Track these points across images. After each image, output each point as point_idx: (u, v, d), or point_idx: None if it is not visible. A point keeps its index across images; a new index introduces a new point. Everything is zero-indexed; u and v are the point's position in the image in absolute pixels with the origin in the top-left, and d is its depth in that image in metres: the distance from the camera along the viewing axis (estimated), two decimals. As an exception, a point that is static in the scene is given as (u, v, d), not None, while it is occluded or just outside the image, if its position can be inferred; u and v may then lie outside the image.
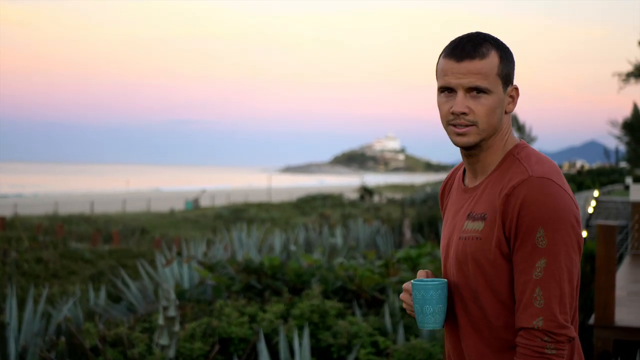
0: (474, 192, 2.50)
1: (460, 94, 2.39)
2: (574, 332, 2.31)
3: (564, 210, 2.30)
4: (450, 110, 2.41)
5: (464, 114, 2.40)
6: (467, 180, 2.58)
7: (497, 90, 2.40)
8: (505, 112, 2.45)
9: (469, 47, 2.39)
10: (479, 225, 2.40)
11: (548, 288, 2.27)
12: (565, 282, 2.29)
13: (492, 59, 2.39)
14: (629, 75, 46.38)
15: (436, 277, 2.53)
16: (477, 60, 2.38)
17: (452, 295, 2.50)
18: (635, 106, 62.92)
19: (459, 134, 2.42)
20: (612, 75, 48.68)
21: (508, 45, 2.47)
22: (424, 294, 2.44)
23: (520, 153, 2.43)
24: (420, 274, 2.54)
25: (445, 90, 2.43)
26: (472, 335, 2.45)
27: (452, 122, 2.42)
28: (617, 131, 64.77)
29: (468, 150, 2.47)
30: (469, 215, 2.45)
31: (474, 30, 2.46)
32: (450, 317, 2.53)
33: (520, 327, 2.30)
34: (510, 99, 2.46)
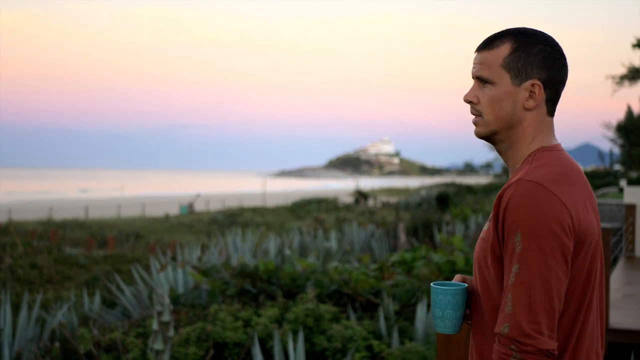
0: None
1: (474, 83, 2.43)
2: (547, 344, 2.18)
3: (545, 215, 2.21)
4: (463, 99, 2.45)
5: (471, 102, 2.42)
6: None
7: (502, 82, 2.37)
8: (526, 109, 2.37)
9: (488, 39, 2.42)
10: (487, 225, 2.39)
11: (517, 295, 2.19)
12: (539, 290, 2.19)
13: (501, 50, 2.37)
14: (622, 78, 46.46)
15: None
16: (485, 51, 2.40)
17: (473, 297, 2.48)
18: (629, 109, 63.05)
19: (474, 124, 2.44)
20: (605, 78, 48.79)
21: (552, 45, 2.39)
22: (434, 297, 2.45)
23: (536, 155, 2.36)
24: (457, 278, 2.53)
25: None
26: (476, 338, 2.44)
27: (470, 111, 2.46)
28: (611, 134, 64.91)
29: (493, 145, 2.47)
30: (489, 215, 2.44)
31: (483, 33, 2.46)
32: (470, 318, 2.52)
33: (495, 332, 2.26)
34: (529, 95, 2.37)
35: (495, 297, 2.34)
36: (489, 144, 2.48)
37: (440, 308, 2.43)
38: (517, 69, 2.36)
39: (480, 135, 2.44)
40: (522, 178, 2.27)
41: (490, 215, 2.36)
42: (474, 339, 2.46)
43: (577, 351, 2.30)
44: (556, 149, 2.39)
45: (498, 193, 2.32)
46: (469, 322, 2.53)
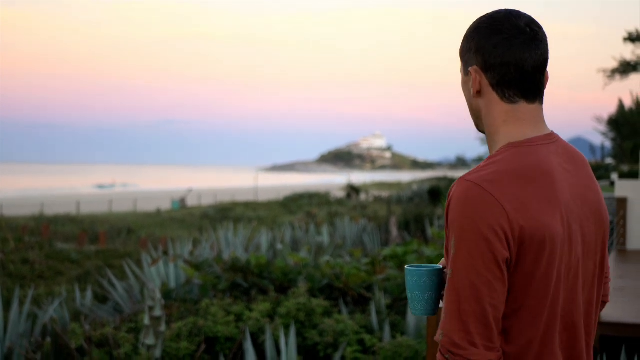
0: None
1: None
2: (481, 356, 2.03)
3: (477, 218, 2.04)
4: None
5: None
6: None
7: (462, 71, 2.30)
8: (474, 97, 2.26)
9: None
10: None
11: (448, 302, 2.07)
12: (469, 298, 2.04)
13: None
14: (614, 71, 46.47)
15: None
16: None
17: None
18: (620, 102, 63.15)
19: None
20: (597, 71, 48.90)
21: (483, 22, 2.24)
22: (405, 279, 2.39)
23: (498, 151, 2.19)
24: (443, 262, 2.38)
25: None
26: None
27: None
28: (602, 127, 65.03)
29: None
30: None
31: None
32: None
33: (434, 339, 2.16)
34: (472, 82, 2.25)
35: None
36: (484, 135, 2.38)
37: (409, 289, 2.36)
38: (462, 58, 2.29)
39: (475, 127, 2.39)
40: (462, 177, 2.13)
41: None
42: None
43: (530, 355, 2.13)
44: (526, 143, 2.19)
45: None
46: None
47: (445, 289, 2.09)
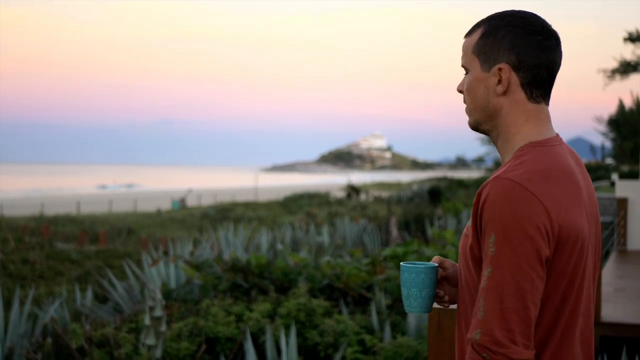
0: None
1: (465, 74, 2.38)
2: (521, 354, 2.04)
3: (521, 216, 2.06)
4: None
5: (461, 92, 2.36)
6: None
7: (474, 68, 2.29)
8: (497, 95, 2.26)
9: (471, 27, 2.36)
10: (470, 221, 2.26)
11: (488, 300, 2.07)
12: (512, 296, 2.05)
13: (474, 37, 2.30)
14: (614, 71, 46.46)
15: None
16: (465, 39, 2.35)
17: (460, 288, 2.38)
18: (620, 102, 63.14)
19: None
20: (597, 71, 48.85)
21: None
22: (401, 276, 2.39)
23: (522, 151, 2.22)
24: (435, 259, 2.43)
25: None
26: (457, 331, 2.36)
27: None
28: (602, 127, 65.02)
29: (487, 136, 2.37)
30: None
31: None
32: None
33: (467, 337, 2.14)
34: (497, 80, 2.26)
35: (474, 296, 2.23)
36: (484, 135, 2.40)
37: (405, 286, 2.37)
38: (485, 54, 2.27)
39: (469, 125, 2.36)
40: (499, 175, 2.14)
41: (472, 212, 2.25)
42: (457, 330, 2.37)
43: (553, 353, 2.17)
44: (547, 143, 2.24)
45: (478, 189, 2.20)
46: (446, 305, 2.47)
47: (483, 287, 2.10)
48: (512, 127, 2.27)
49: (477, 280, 2.21)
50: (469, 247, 2.21)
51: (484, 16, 2.37)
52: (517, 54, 2.24)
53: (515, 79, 2.25)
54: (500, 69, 2.24)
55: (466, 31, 2.38)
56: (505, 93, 2.26)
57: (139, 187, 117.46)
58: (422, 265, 2.38)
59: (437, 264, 2.39)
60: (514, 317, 2.05)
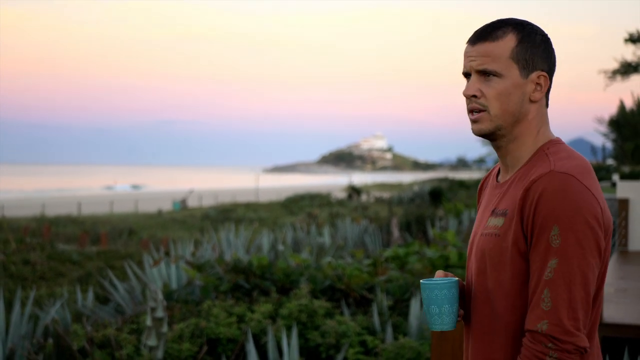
0: (502, 187, 2.39)
1: (474, 77, 2.35)
2: (584, 342, 2.13)
3: (583, 208, 2.16)
4: (463, 93, 2.37)
5: (474, 96, 2.34)
6: (500, 176, 2.47)
7: (511, 75, 2.31)
8: (531, 101, 2.33)
9: (486, 30, 2.35)
10: (499, 221, 2.30)
11: (556, 290, 2.13)
12: (578, 285, 2.14)
13: (507, 42, 2.31)
14: (614, 72, 46.46)
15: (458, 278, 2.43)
16: (488, 43, 2.32)
17: (469, 295, 2.41)
18: (621, 103, 63.09)
19: (473, 121, 2.36)
20: (598, 72, 48.87)
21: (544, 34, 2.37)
22: (428, 294, 2.35)
23: (550, 148, 2.31)
24: (439, 274, 2.43)
25: (466, 76, 2.38)
26: (480, 339, 2.35)
27: (468, 107, 2.37)
28: (603, 128, 64.96)
29: (492, 141, 2.39)
30: (492, 211, 2.36)
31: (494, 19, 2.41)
32: (465, 318, 2.45)
33: (527, 329, 2.18)
34: (535, 87, 2.33)
35: (512, 295, 2.26)
36: (485, 140, 2.42)
37: (437, 304, 2.33)
38: (525, 61, 2.32)
39: (482, 132, 2.35)
40: (554, 170, 2.21)
41: (505, 211, 2.28)
42: (475, 342, 2.37)
43: (593, 340, 2.28)
44: (562, 142, 2.37)
45: (525, 187, 2.24)
46: (461, 320, 2.45)
47: (549, 278, 2.16)
48: (533, 130, 2.36)
49: (514, 277, 2.26)
50: (512, 242, 2.25)
51: (490, 20, 2.39)
52: (549, 62, 2.36)
53: (546, 87, 2.36)
54: (539, 76, 2.33)
55: (476, 35, 2.36)
56: (539, 99, 2.37)
57: (146, 188, 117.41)
58: (447, 280, 2.36)
59: (456, 277, 2.40)
60: (580, 306, 2.15)
